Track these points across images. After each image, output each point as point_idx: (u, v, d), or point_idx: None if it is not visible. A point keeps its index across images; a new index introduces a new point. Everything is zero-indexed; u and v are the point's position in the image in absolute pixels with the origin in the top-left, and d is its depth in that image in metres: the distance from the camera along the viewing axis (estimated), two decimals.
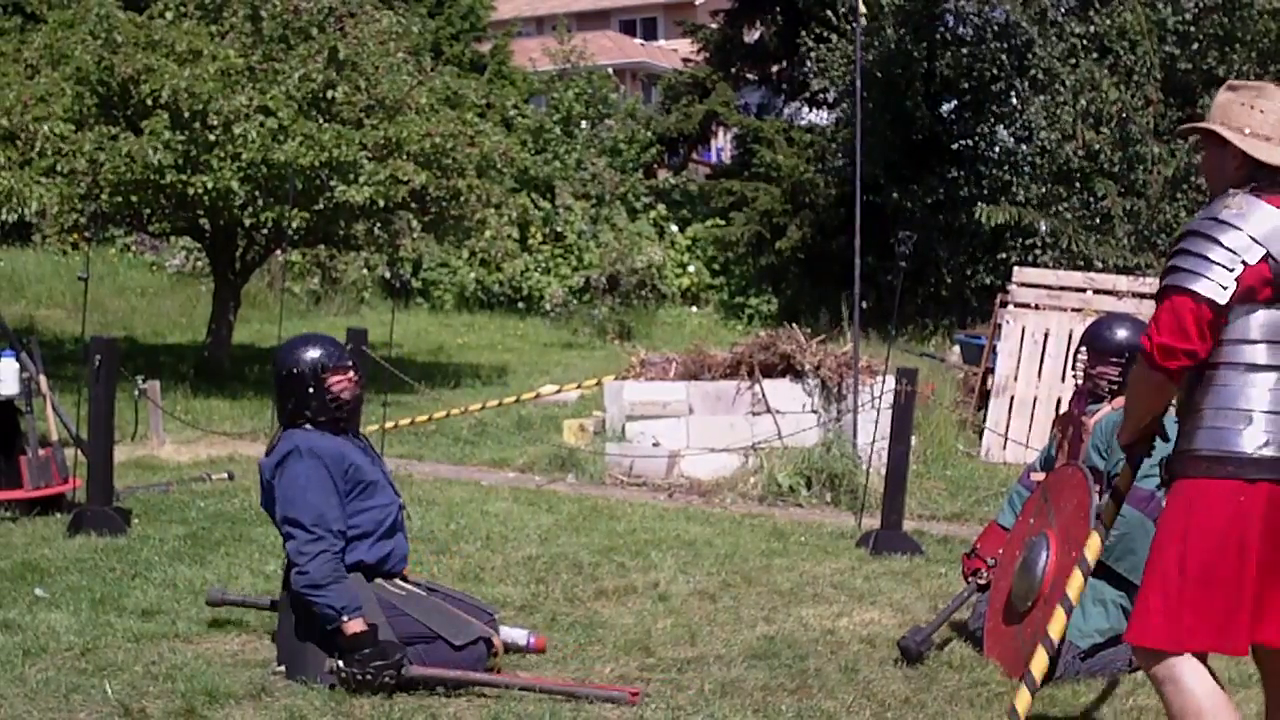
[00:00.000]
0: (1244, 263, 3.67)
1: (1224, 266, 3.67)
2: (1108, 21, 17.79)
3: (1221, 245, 3.69)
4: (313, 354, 5.44)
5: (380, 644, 5.12)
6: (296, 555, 5.17)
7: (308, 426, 5.42)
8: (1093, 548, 4.40)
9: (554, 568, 7.38)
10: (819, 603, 6.80)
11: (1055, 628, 4.49)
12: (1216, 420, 3.74)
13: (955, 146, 23.81)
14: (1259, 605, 3.68)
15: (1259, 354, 3.73)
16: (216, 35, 14.86)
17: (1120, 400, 5.81)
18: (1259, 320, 3.73)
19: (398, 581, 5.51)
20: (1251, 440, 3.69)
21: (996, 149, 22.68)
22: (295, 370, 5.42)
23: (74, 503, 8.47)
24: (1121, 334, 6.03)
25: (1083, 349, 6.14)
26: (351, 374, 5.51)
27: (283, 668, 5.33)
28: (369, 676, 5.03)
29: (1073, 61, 18.04)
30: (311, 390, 5.40)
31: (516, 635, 5.79)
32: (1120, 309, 11.71)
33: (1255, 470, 3.68)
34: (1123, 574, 5.63)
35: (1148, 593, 3.80)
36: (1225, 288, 3.67)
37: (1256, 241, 3.69)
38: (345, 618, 5.10)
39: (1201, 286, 3.68)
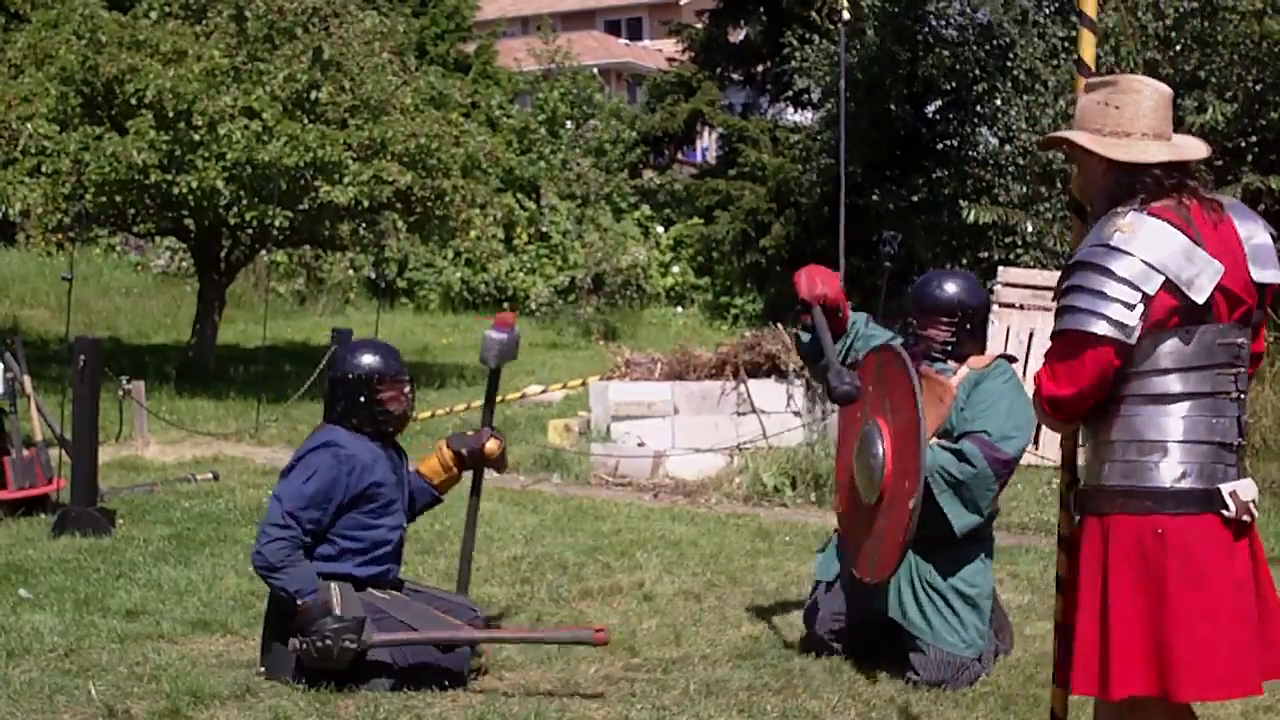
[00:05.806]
0: (1144, 294, 3.32)
1: (1122, 302, 3.33)
2: None
3: (1115, 277, 3.33)
4: (371, 362, 5.48)
5: (336, 614, 5.15)
6: (260, 534, 5.24)
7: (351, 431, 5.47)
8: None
9: (539, 568, 7.38)
10: (804, 602, 6.80)
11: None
12: (1128, 453, 3.43)
13: (939, 146, 23.84)
14: (1208, 650, 3.32)
15: (1170, 384, 3.40)
16: (201, 35, 14.86)
17: (977, 360, 5.57)
18: (1167, 350, 3.38)
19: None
20: (1169, 473, 3.39)
21: (980, 149, 22.69)
22: (351, 375, 5.46)
23: (58, 503, 8.45)
24: (950, 289, 5.56)
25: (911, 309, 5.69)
26: (405, 389, 5.56)
27: (265, 668, 5.35)
28: (328, 641, 5.06)
29: (1054, 63, 18.08)
30: (363, 399, 5.44)
31: None
32: None
33: (1175, 504, 3.37)
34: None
35: (1079, 637, 3.48)
36: (1128, 325, 3.33)
37: (1153, 268, 3.32)
38: (299, 601, 5.14)
39: (1100, 327, 3.35)
